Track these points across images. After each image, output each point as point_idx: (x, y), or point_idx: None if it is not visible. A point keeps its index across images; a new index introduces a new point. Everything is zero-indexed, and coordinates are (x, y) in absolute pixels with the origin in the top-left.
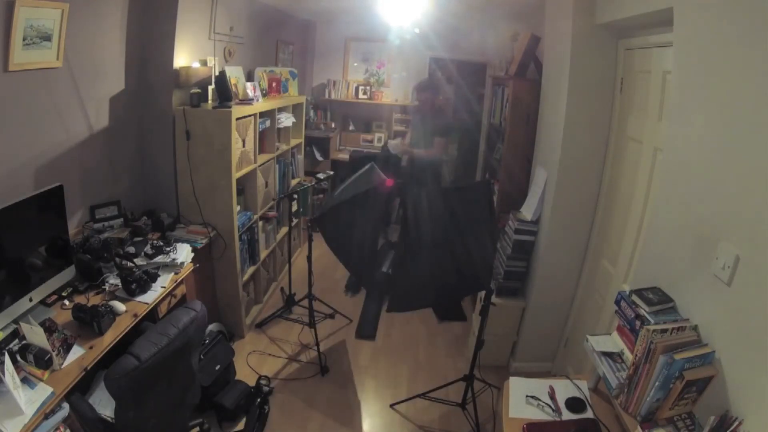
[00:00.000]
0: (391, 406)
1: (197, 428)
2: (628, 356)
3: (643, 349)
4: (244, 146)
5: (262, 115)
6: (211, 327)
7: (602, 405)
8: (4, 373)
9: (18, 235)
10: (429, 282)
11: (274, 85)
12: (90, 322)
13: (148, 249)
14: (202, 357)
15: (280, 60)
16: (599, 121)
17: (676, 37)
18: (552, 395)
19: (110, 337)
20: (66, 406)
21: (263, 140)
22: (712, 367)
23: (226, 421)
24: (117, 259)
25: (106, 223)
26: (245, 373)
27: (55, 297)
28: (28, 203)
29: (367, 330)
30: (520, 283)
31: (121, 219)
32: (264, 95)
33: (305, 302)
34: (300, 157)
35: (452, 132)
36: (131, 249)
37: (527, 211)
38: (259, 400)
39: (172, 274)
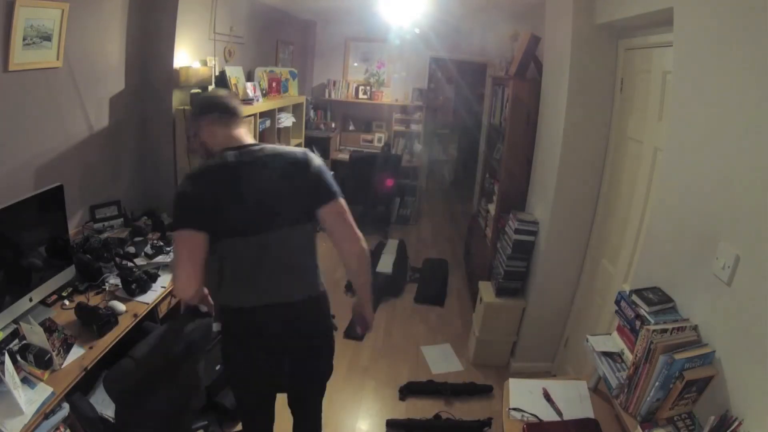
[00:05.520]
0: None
1: (201, 431)
2: (628, 356)
3: (643, 349)
4: None
5: (262, 115)
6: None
7: (602, 405)
8: (4, 373)
9: (18, 235)
10: None
11: (274, 85)
12: (90, 324)
13: (148, 249)
14: None
15: (280, 60)
16: (599, 121)
17: (676, 37)
18: (547, 396)
19: (110, 337)
20: (66, 406)
21: (263, 140)
22: (712, 367)
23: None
24: (117, 259)
25: (106, 223)
26: None
27: (55, 297)
28: (28, 203)
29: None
30: (520, 283)
31: (121, 219)
32: (264, 95)
33: None
34: None
35: None
36: (131, 249)
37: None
38: None
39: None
